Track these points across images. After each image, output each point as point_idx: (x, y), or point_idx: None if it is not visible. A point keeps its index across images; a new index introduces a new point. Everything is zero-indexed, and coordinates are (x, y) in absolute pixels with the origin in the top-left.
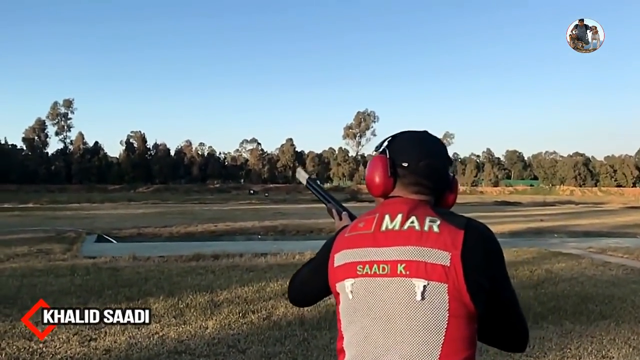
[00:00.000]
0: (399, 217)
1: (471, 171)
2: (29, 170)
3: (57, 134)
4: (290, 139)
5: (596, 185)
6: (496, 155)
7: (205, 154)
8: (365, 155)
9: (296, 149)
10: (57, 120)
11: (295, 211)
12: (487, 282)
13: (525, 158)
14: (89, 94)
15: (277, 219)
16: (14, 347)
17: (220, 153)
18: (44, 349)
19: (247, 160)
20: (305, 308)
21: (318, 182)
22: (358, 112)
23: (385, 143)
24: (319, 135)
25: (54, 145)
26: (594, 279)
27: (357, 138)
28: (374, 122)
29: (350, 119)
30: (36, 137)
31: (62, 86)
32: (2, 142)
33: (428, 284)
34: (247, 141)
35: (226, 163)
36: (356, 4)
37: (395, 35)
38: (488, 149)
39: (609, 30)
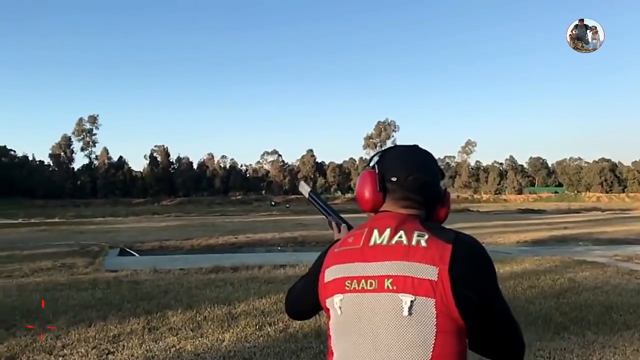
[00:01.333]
0: (387, 231)
1: (494, 179)
2: (56, 186)
3: (82, 149)
4: (311, 150)
5: (624, 192)
6: (519, 163)
7: (227, 166)
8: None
9: (316, 160)
10: (82, 136)
11: (316, 222)
12: (476, 295)
13: (549, 165)
14: (113, 110)
15: (297, 230)
16: None
17: (241, 165)
18: None
19: (268, 171)
20: (323, 320)
21: (321, 196)
22: (378, 122)
23: (376, 158)
24: (340, 145)
25: (79, 160)
26: (619, 287)
27: (377, 148)
28: (395, 131)
29: (371, 129)
30: (62, 153)
31: (87, 102)
32: (30, 158)
33: (415, 299)
34: (268, 153)
35: (248, 175)
36: (374, 15)
37: (414, 44)
38: (511, 156)
39: (634, 35)
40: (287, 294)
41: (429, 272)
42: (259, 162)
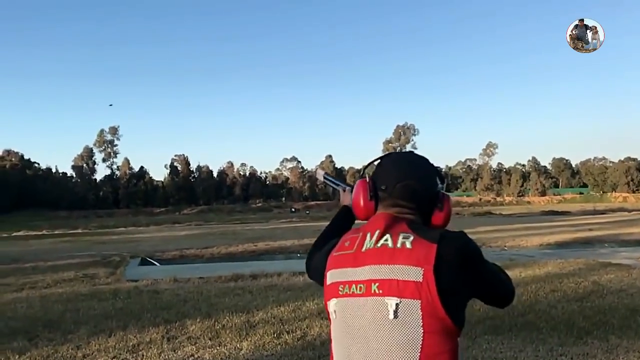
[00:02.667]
0: (376, 234)
1: (517, 181)
2: (79, 197)
3: (104, 160)
4: (330, 156)
5: None
6: (542, 164)
7: (247, 174)
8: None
9: (336, 165)
10: (103, 147)
11: None
12: (466, 289)
13: (573, 165)
14: (133, 121)
15: (317, 236)
16: None
17: (261, 172)
18: None
19: (287, 178)
20: None
21: (332, 176)
22: (397, 126)
23: (367, 167)
24: (359, 150)
25: (101, 171)
26: None
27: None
28: (414, 135)
29: (390, 133)
30: (84, 164)
31: (108, 114)
32: (53, 170)
33: (400, 301)
34: (287, 160)
35: (267, 182)
36: (393, 18)
37: (433, 47)
38: (533, 158)
39: None
40: (308, 258)
41: (414, 273)
42: (278, 169)
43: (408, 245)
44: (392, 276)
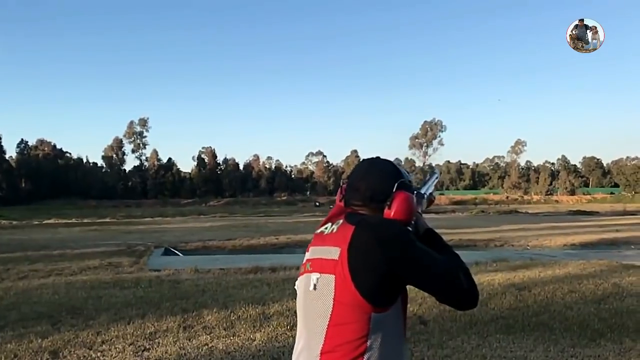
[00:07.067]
0: (326, 223)
1: (545, 179)
2: (108, 187)
3: (133, 151)
4: (355, 151)
5: None
6: (572, 163)
7: (273, 167)
8: (433, 165)
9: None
10: (133, 139)
11: None
12: (383, 266)
13: (604, 164)
14: (162, 113)
15: None
16: (75, 355)
17: (286, 166)
18: (101, 357)
19: (312, 172)
20: None
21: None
22: (424, 122)
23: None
24: (385, 146)
25: (130, 162)
26: None
27: (423, 148)
28: (441, 131)
29: (417, 129)
30: (114, 155)
31: (138, 105)
32: (84, 160)
33: (320, 276)
34: (312, 154)
35: (293, 176)
36: (421, 11)
37: (462, 41)
38: (563, 156)
39: None
40: None
41: (334, 252)
42: (303, 163)
43: (335, 229)
44: (319, 255)
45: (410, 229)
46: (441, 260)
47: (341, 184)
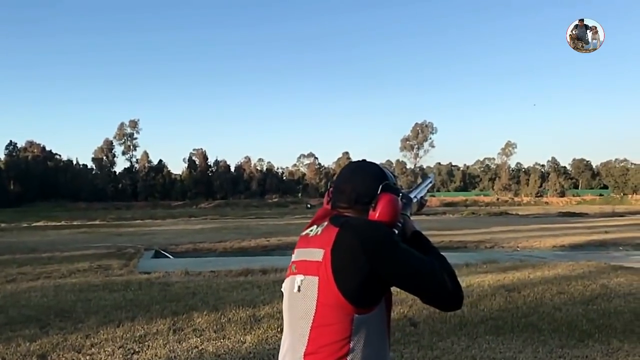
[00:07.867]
0: (312, 226)
1: (535, 181)
2: (98, 189)
3: (123, 153)
4: (347, 152)
5: None
6: (562, 164)
7: (264, 169)
8: (424, 167)
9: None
10: (123, 140)
11: None
12: (366, 268)
13: (594, 166)
14: (152, 115)
15: None
16: (63, 358)
17: (278, 168)
18: None
19: (304, 174)
20: None
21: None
22: (415, 124)
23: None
24: (376, 148)
25: (120, 164)
26: None
27: (414, 150)
28: (432, 133)
29: (408, 131)
30: (104, 157)
31: (128, 107)
32: (74, 162)
33: (304, 278)
34: (304, 156)
35: (284, 178)
36: (409, 12)
37: (453, 43)
38: (553, 158)
39: None
40: None
41: (318, 254)
42: (295, 164)
43: (319, 231)
44: (304, 257)
45: (396, 231)
46: (425, 261)
47: (329, 186)
